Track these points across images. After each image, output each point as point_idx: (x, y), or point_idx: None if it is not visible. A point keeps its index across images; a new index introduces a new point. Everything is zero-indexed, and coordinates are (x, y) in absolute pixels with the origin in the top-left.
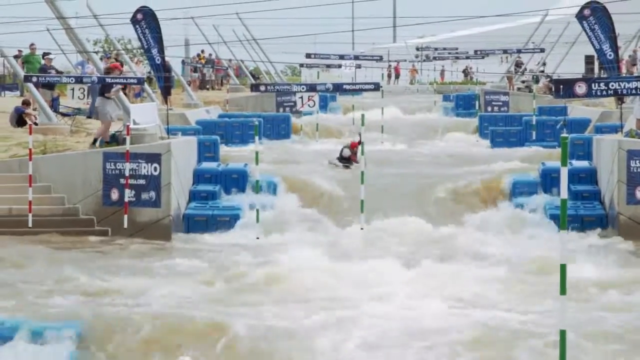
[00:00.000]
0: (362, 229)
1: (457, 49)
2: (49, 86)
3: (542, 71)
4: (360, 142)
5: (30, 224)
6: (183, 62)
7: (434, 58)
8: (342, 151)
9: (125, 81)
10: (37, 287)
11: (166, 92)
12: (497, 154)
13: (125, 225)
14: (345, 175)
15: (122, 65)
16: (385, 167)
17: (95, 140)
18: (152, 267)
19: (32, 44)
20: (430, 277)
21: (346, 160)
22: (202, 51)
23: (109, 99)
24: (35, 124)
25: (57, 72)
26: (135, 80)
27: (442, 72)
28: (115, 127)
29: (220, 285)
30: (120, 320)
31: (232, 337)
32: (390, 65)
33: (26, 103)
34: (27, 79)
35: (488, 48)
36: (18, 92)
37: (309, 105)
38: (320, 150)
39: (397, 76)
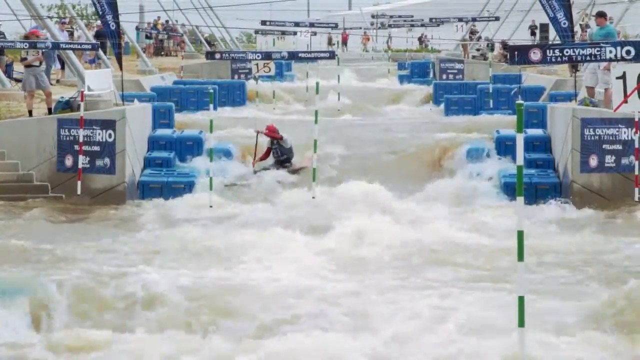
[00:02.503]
0: (313, 197)
1: (412, 16)
2: None
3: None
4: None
5: None
6: (137, 29)
7: (389, 25)
8: (279, 144)
9: (79, 47)
10: None
11: (119, 59)
12: (451, 122)
13: (79, 192)
14: (299, 145)
15: (72, 34)
16: (340, 135)
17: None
18: (101, 235)
19: None
20: (372, 246)
21: (279, 158)
22: (159, 17)
23: (29, 68)
24: None
25: (5, 37)
26: (89, 47)
27: (389, 39)
28: (69, 93)
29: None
30: (74, 286)
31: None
32: (330, 33)
33: None
34: None
35: (443, 16)
36: None
37: (264, 70)
38: (276, 118)
39: (345, 43)
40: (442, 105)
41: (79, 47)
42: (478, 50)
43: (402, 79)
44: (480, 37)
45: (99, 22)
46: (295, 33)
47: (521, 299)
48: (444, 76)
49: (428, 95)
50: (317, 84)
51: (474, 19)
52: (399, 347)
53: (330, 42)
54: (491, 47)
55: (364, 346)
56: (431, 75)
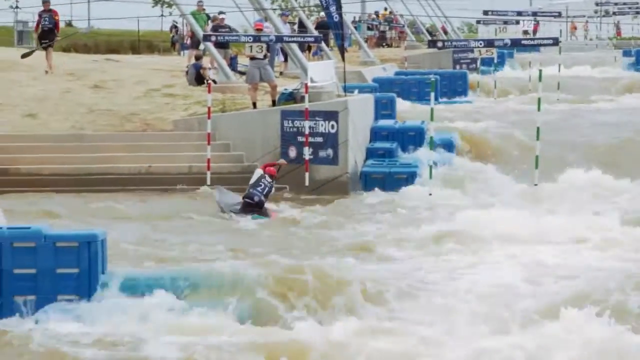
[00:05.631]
0: (536, 185)
1: (637, 3)
2: (222, 45)
3: None
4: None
5: (209, 182)
6: (359, 20)
7: (614, 13)
8: (260, 184)
9: (302, 39)
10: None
11: (341, 50)
12: None
13: (307, 183)
14: (521, 134)
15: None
16: (561, 123)
17: (273, 102)
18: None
19: (200, 2)
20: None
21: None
22: (386, 9)
23: (254, 61)
24: (214, 82)
25: (231, 30)
26: (312, 39)
27: (618, 26)
28: (292, 85)
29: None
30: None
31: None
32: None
33: (199, 57)
34: (206, 38)
35: None
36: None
37: (488, 54)
38: (498, 108)
39: (535, 32)
40: None
41: (302, 39)
42: None
43: (627, 66)
44: None
45: (321, 13)
46: (517, 22)
47: None
48: None
49: None
50: (540, 72)
51: None
52: None
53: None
54: None
55: None
56: None
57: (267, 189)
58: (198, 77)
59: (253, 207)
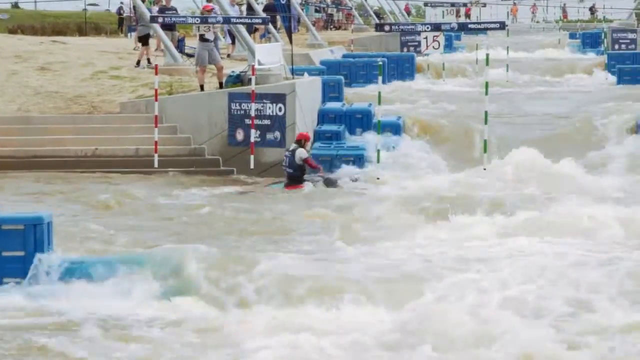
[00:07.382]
0: (484, 169)
1: None
2: (169, 27)
3: None
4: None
5: (156, 164)
6: (307, 2)
7: None
8: (293, 155)
9: (250, 21)
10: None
11: (289, 32)
12: (624, 92)
13: (252, 166)
14: (468, 117)
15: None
16: (510, 106)
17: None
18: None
19: None
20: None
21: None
22: None
23: (204, 43)
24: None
25: (177, 12)
26: (259, 21)
27: (564, 9)
28: (240, 67)
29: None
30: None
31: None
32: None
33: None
34: (152, 19)
35: None
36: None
37: (433, 47)
38: (446, 90)
39: (468, 16)
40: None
41: (250, 21)
42: None
43: (573, 49)
44: None
45: None
46: (464, 5)
47: None
48: (616, 46)
49: (600, 65)
50: (487, 55)
51: None
52: None
53: (458, 14)
54: None
55: None
56: (603, 45)
57: (287, 159)
58: (144, 37)
59: (291, 180)
